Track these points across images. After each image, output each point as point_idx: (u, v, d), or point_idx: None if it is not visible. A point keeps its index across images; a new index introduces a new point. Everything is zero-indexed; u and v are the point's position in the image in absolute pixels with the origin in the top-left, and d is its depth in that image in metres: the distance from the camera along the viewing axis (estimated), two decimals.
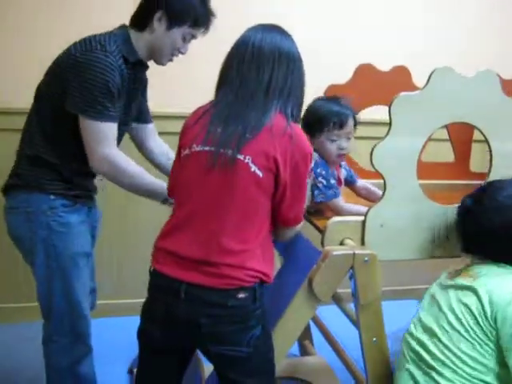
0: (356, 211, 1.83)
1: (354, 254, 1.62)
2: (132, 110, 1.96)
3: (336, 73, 2.30)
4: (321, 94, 2.26)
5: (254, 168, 1.43)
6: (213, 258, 1.44)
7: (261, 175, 1.43)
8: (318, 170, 1.87)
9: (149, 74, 2.03)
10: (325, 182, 1.87)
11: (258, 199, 1.46)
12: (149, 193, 1.87)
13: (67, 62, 1.77)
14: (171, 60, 1.93)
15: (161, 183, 1.84)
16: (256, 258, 1.47)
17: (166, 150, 2.16)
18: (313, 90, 2.38)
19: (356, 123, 1.91)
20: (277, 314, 1.67)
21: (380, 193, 1.80)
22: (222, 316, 1.45)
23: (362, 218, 1.71)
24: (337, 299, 1.94)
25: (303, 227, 1.89)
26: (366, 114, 2.38)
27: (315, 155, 1.87)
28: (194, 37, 1.88)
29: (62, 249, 1.85)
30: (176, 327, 1.49)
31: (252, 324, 1.48)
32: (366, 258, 1.63)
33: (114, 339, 2.76)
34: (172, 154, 2.00)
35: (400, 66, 2.34)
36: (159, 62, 1.92)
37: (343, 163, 2.05)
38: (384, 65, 2.34)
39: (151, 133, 2.16)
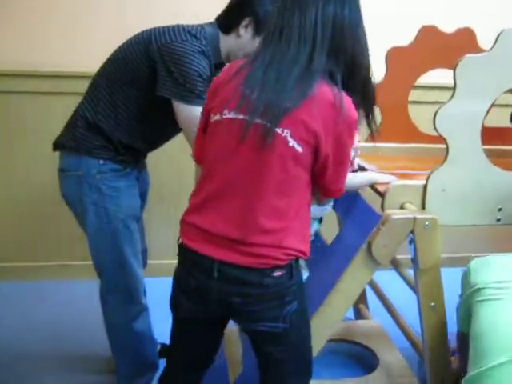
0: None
1: (415, 218, 1.61)
2: None
3: (399, 35, 2.26)
4: (382, 57, 2.23)
5: (292, 142, 1.31)
6: (249, 237, 1.36)
7: (300, 150, 1.32)
8: None
9: None
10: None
11: (297, 175, 1.35)
12: None
13: (156, 50, 1.78)
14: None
15: None
16: (293, 235, 1.39)
17: None
18: (374, 52, 2.37)
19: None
20: (335, 277, 1.68)
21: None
22: (257, 295, 1.39)
23: (423, 182, 1.70)
24: (395, 264, 1.94)
25: (363, 190, 1.90)
26: (428, 78, 2.34)
27: None
28: None
29: (113, 212, 1.90)
30: (208, 304, 1.44)
31: (288, 300, 1.42)
32: (427, 223, 1.61)
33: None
34: None
35: (465, 28, 2.27)
36: None
37: None
38: (448, 27, 2.28)
39: None
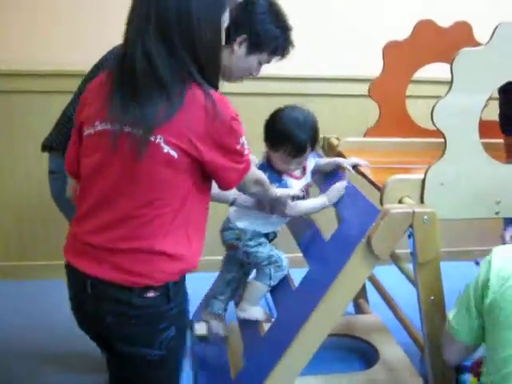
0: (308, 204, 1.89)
1: (414, 212, 1.62)
2: None
3: (395, 30, 2.27)
4: (379, 51, 2.24)
5: (166, 148, 1.24)
6: (120, 254, 1.29)
7: (176, 156, 1.25)
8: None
9: None
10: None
11: (171, 183, 1.28)
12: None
13: None
14: (241, 81, 1.91)
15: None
16: (171, 253, 1.30)
17: None
18: (372, 47, 2.38)
19: (314, 144, 1.89)
20: (335, 272, 1.69)
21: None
22: (130, 316, 1.30)
23: (421, 176, 1.70)
24: (394, 258, 1.95)
25: (362, 185, 1.90)
26: (425, 72, 2.35)
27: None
28: (269, 62, 1.85)
29: None
30: (85, 322, 1.40)
31: (163, 326, 1.33)
32: (426, 217, 1.62)
33: None
34: None
35: (462, 22, 2.28)
36: (226, 80, 1.84)
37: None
38: (445, 21, 2.28)
39: None
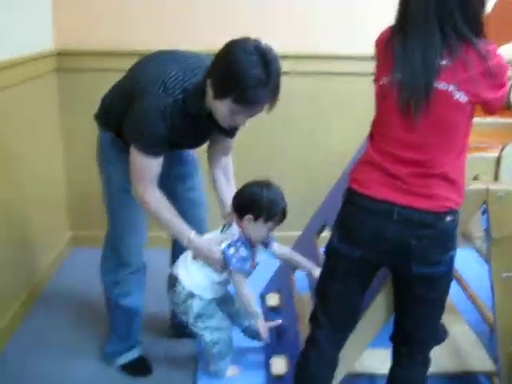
0: (244, 297, 1.96)
1: (488, 189, 1.63)
2: None
3: None
4: None
5: (457, 96, 1.40)
6: (427, 184, 1.46)
7: (463, 101, 1.41)
8: (240, 245, 1.92)
9: None
10: (243, 254, 1.92)
11: (460, 124, 1.45)
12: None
13: (136, 93, 1.82)
14: (234, 128, 1.95)
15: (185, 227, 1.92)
16: (458, 184, 1.50)
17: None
18: None
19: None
20: None
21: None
22: (431, 237, 1.49)
23: (496, 154, 1.71)
24: (466, 236, 1.97)
25: None
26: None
27: (239, 232, 1.93)
28: (243, 112, 1.76)
29: (109, 177, 2.04)
30: (382, 247, 1.53)
31: (451, 246, 1.53)
32: (501, 194, 1.63)
33: None
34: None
35: None
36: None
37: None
38: None
39: None
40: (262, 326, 1.99)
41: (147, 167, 1.83)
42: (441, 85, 1.40)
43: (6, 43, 2.36)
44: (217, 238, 1.98)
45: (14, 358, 2.32)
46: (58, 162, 3.12)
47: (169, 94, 1.76)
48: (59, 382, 2.21)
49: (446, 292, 1.62)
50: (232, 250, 1.91)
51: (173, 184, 2.15)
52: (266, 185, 1.92)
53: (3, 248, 2.41)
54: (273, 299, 2.53)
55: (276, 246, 2.11)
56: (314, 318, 1.72)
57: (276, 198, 1.90)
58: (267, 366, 2.18)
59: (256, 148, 3.17)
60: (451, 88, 1.40)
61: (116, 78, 1.97)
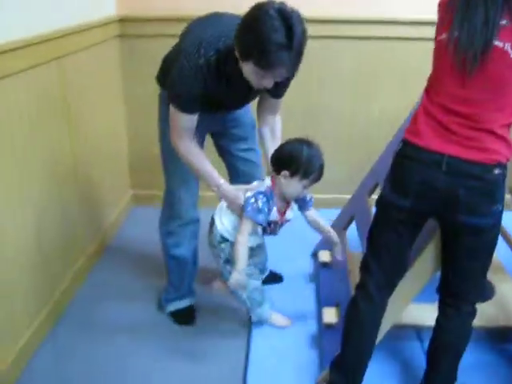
0: (237, 254, 1.95)
1: None
2: None
3: None
4: None
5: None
6: (476, 137, 1.53)
7: None
8: (262, 197, 1.96)
9: None
10: (260, 205, 1.95)
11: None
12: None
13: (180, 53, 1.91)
14: (265, 90, 1.94)
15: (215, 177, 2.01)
16: (507, 140, 1.55)
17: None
18: None
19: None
20: None
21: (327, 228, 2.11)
22: (478, 188, 1.56)
23: None
24: None
25: None
26: None
27: (268, 187, 1.98)
28: (266, 75, 1.77)
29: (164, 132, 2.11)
30: (431, 197, 1.61)
31: (498, 198, 1.60)
32: None
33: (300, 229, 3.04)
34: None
35: None
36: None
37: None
38: None
39: None
40: (234, 279, 1.96)
41: (182, 122, 1.94)
42: (499, 43, 1.45)
43: (71, 10, 2.49)
44: (246, 187, 2.05)
45: (85, 301, 2.56)
46: (121, 124, 3.29)
47: (201, 55, 1.83)
48: (122, 322, 2.42)
49: (492, 245, 1.69)
50: (252, 200, 1.96)
51: (228, 144, 2.29)
52: (306, 143, 1.94)
53: (73, 202, 2.60)
54: (325, 255, 2.64)
55: (312, 212, 2.14)
56: (364, 266, 1.82)
57: (315, 156, 1.93)
58: (319, 316, 2.31)
59: (305, 109, 3.27)
60: (507, 46, 1.45)
61: (175, 43, 2.08)
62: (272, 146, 2.11)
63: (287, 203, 2.05)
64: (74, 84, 2.55)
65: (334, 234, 2.14)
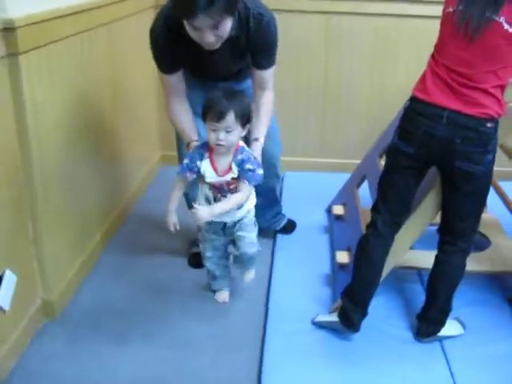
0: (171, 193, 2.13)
1: None
2: None
3: None
4: None
5: (506, 26, 1.69)
6: (472, 94, 1.77)
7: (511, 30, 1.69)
8: (194, 149, 2.08)
9: None
10: (191, 155, 2.06)
11: (505, 52, 1.74)
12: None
13: None
14: (208, 46, 1.95)
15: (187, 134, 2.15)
16: (499, 99, 1.79)
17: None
18: None
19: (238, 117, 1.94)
20: None
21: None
22: (473, 138, 1.80)
23: None
24: (507, 150, 2.23)
25: None
26: None
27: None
28: (195, 27, 1.84)
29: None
30: (433, 145, 1.85)
31: (490, 149, 1.84)
32: None
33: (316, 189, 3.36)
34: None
35: None
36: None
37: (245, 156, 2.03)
38: None
39: None
40: (168, 219, 2.15)
41: (164, 81, 2.13)
42: (497, 17, 1.70)
43: None
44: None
45: (112, 257, 2.75)
46: (152, 89, 3.51)
47: (162, 16, 2.02)
48: (146, 276, 2.60)
49: (484, 189, 1.96)
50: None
51: None
52: (226, 91, 1.97)
53: (110, 159, 2.85)
54: (338, 209, 2.89)
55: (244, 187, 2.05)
56: (374, 207, 2.09)
57: (213, 98, 1.94)
58: (333, 257, 2.60)
59: (325, 83, 3.46)
60: (502, 19, 1.70)
61: None
62: (253, 122, 2.10)
63: (230, 167, 2.03)
64: (118, 49, 2.80)
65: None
